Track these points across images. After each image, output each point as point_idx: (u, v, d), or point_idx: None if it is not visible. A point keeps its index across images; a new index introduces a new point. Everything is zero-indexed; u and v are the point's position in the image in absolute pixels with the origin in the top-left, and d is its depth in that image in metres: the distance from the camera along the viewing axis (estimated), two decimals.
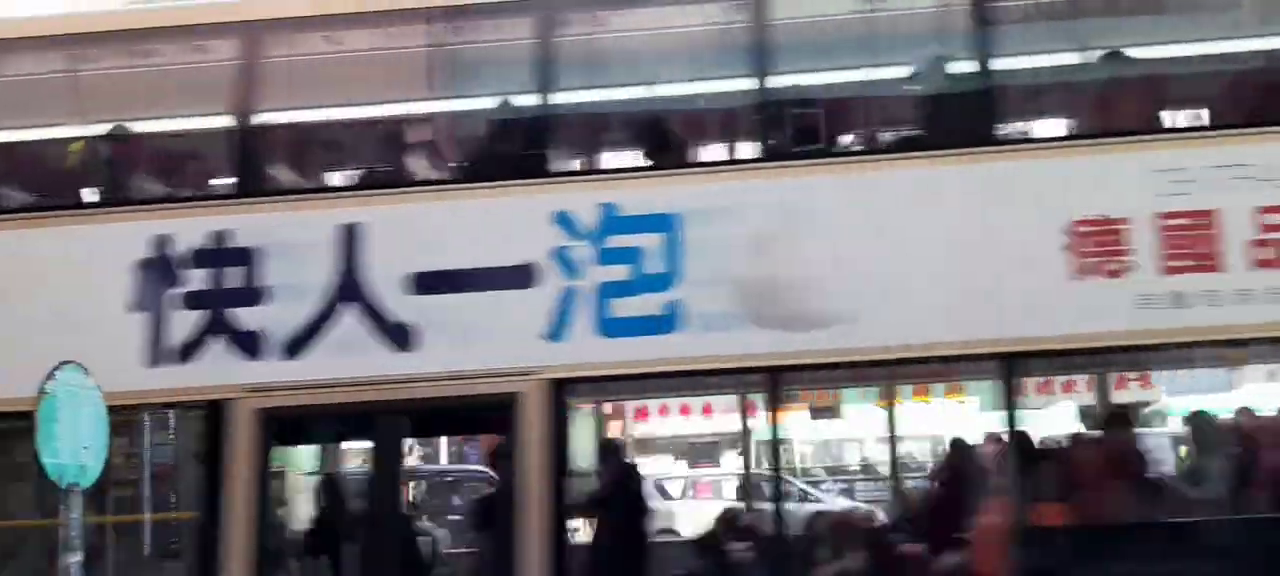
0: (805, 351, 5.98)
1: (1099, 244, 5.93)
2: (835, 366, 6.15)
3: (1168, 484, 6.68)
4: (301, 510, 7.82)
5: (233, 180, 6.66)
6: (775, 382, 6.14)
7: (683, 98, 6.83)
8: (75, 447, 5.00)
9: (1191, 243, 5.90)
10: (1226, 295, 5.84)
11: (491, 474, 11.79)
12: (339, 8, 6.61)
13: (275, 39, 6.57)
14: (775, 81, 6.30)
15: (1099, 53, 6.39)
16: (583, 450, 6.66)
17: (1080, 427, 7.78)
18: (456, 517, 11.46)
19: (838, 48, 6.56)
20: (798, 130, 6.32)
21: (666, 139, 6.52)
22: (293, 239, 6.28)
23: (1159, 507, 6.25)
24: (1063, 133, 6.65)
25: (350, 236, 6.25)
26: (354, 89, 6.87)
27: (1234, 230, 5.86)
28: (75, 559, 4.93)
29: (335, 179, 6.96)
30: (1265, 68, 6.35)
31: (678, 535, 11.35)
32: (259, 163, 6.65)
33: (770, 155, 6.28)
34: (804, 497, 14.36)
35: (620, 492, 7.77)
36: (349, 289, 6.23)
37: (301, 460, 8.50)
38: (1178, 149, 6.02)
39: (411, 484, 11.40)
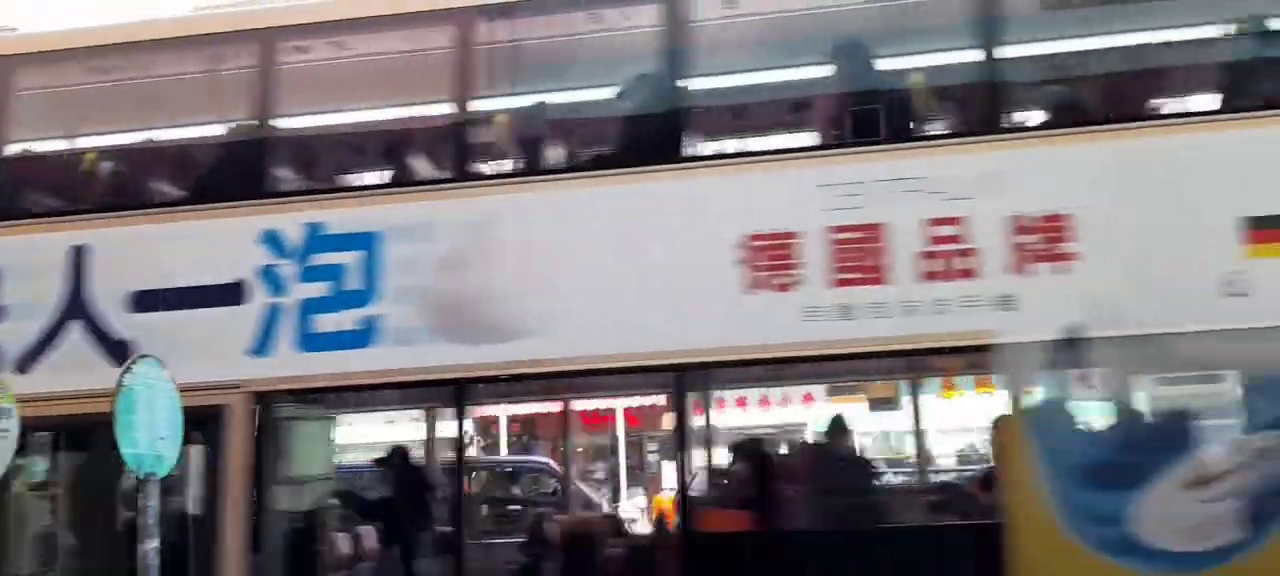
0: (489, 364, 6.20)
1: (771, 258, 6.05)
2: (519, 378, 6.34)
3: (880, 492, 6.70)
4: None
5: None
6: (461, 395, 6.36)
7: (387, 121, 7.09)
8: (152, 438, 5.18)
9: (860, 255, 5.99)
10: (893, 307, 5.93)
11: (552, 464, 12.01)
12: (80, 42, 6.98)
13: (14, 71, 6.95)
14: (475, 105, 6.54)
15: (782, 73, 6.51)
16: (311, 458, 6.92)
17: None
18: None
19: (534, 71, 6.77)
20: (492, 151, 6.53)
21: (371, 161, 6.79)
22: (26, 261, 6.66)
23: (857, 515, 6.32)
24: (745, 150, 6.72)
25: (78, 258, 6.61)
26: (88, 118, 7.24)
27: (902, 243, 5.95)
28: (152, 545, 5.10)
29: (70, 203, 7.29)
30: (930, 85, 6.41)
31: None
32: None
33: (465, 175, 6.51)
34: None
35: (401, 499, 8.09)
36: (75, 307, 6.58)
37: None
38: (850, 164, 6.10)
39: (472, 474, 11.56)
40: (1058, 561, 5.60)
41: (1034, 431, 5.78)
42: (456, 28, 6.55)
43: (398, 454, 8.34)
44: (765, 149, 6.63)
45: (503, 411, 12.40)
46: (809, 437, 7.48)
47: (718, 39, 6.47)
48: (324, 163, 7.07)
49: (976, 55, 6.13)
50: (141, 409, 5.11)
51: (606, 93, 6.72)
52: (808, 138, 6.55)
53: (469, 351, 6.19)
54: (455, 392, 6.36)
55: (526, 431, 15.49)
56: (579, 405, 10.90)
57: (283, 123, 6.85)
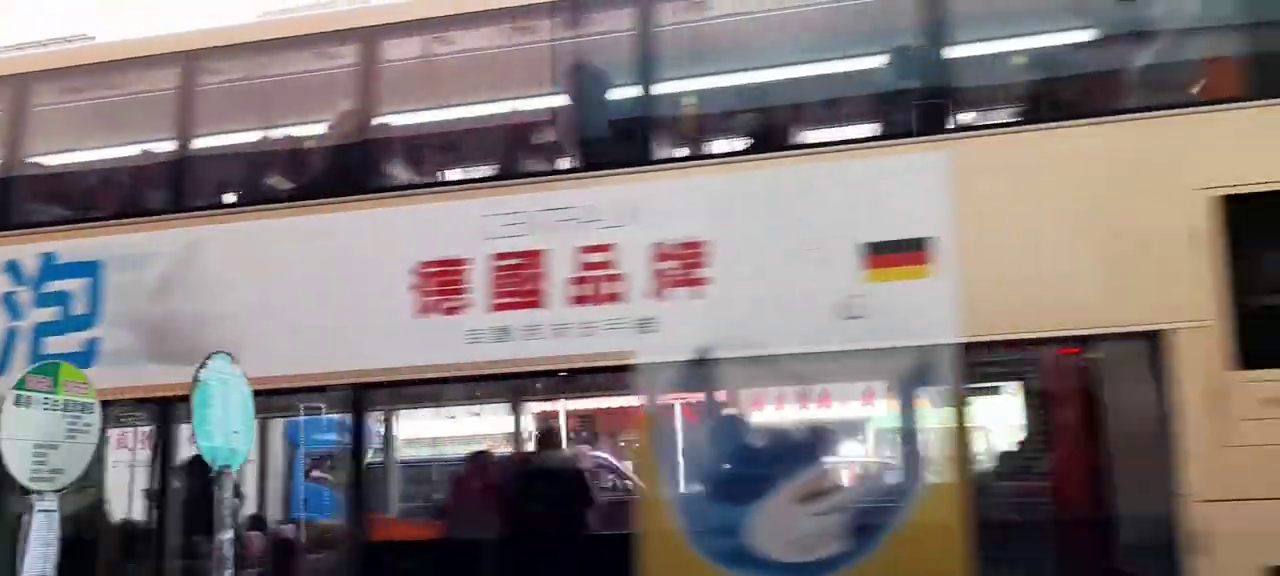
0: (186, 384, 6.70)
1: (440, 283, 6.46)
2: None
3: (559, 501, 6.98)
4: None
5: None
6: (165, 412, 6.87)
7: (108, 160, 7.68)
8: (226, 432, 5.35)
9: (519, 281, 6.37)
10: (546, 329, 6.30)
11: (613, 461, 12.41)
12: None
13: None
14: (195, 144, 7.07)
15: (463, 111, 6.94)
16: None
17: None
18: None
19: (241, 110, 7.29)
20: (201, 185, 7.06)
21: (101, 194, 7.36)
22: None
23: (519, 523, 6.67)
24: (424, 182, 7.10)
25: None
26: None
27: (557, 269, 6.31)
28: (227, 536, 5.34)
29: None
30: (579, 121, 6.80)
31: None
32: None
33: (174, 207, 7.02)
34: None
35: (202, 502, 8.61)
36: None
37: None
38: (514, 195, 6.48)
39: None
40: (681, 571, 5.92)
41: (663, 446, 6.12)
42: (180, 69, 7.09)
43: (192, 462, 8.88)
44: (439, 181, 7.03)
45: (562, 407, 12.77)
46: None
47: (410, 78, 6.92)
48: (62, 197, 7.63)
49: (632, 92, 6.48)
50: (216, 403, 5.34)
51: (315, 128, 7.21)
52: (482, 170, 6.94)
53: (171, 371, 6.69)
54: (160, 411, 6.87)
55: (587, 427, 15.93)
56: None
57: (29, 160, 7.46)
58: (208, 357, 5.39)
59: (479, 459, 7.29)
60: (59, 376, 5.72)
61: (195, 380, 5.22)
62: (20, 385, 5.54)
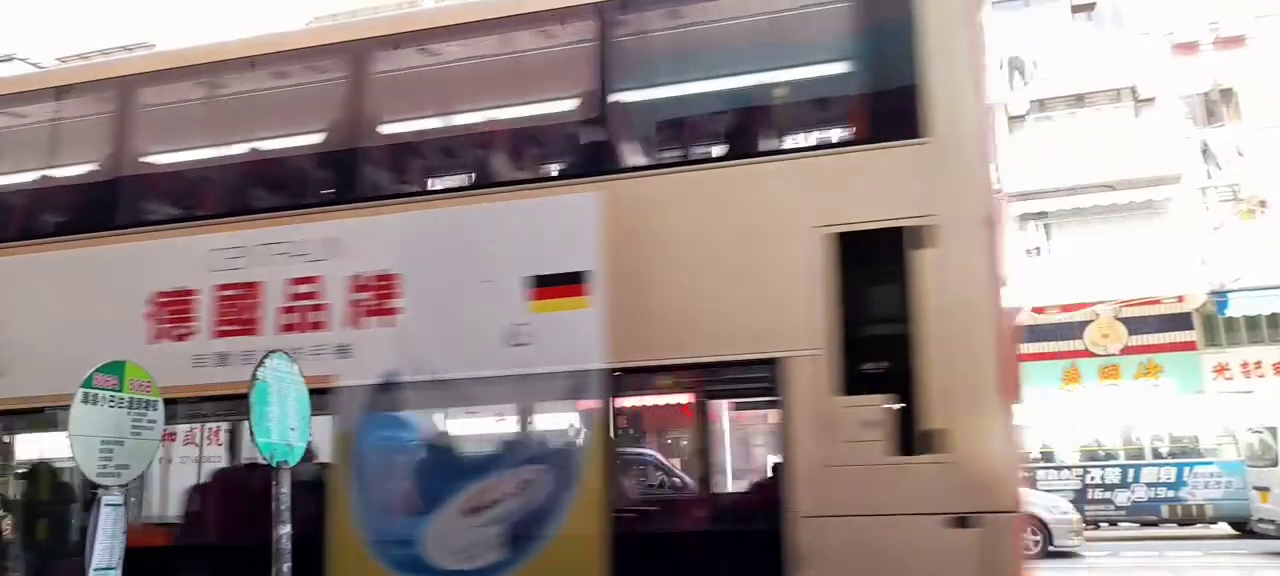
0: None
1: (171, 312, 7.09)
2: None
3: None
4: None
5: None
6: None
7: None
8: (284, 428, 5.48)
9: (238, 310, 6.98)
10: (260, 354, 6.87)
11: (658, 457, 12.86)
12: None
13: None
14: None
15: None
16: None
17: None
18: None
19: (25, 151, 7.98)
20: None
21: None
22: None
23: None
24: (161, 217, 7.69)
25: None
26: None
27: (271, 299, 6.91)
28: (285, 530, 5.42)
29: None
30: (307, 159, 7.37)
31: None
32: None
33: None
34: None
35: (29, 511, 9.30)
36: None
37: None
38: (236, 231, 7.08)
39: None
40: None
41: (352, 461, 6.68)
42: None
43: (38, 468, 9.59)
44: (170, 217, 7.62)
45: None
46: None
47: (158, 122, 7.56)
48: None
49: (340, 132, 7.06)
50: (274, 401, 5.47)
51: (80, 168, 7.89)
52: (216, 207, 7.56)
53: None
54: None
55: (633, 424, 16.38)
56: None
57: None
58: (266, 355, 5.56)
59: (219, 473, 7.90)
60: (124, 375, 5.89)
61: (253, 378, 5.38)
62: (88, 383, 5.70)
